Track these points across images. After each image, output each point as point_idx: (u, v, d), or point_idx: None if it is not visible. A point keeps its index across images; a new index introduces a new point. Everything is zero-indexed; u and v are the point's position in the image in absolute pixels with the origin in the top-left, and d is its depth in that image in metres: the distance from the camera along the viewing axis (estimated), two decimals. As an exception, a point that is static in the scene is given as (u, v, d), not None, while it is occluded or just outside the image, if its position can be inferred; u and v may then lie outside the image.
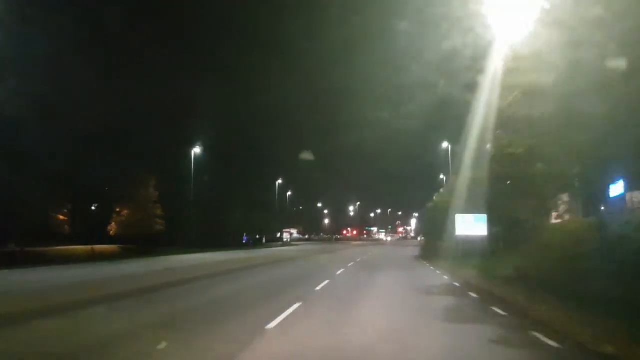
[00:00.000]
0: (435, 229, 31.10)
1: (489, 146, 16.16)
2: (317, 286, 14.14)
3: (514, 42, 12.00)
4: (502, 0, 11.52)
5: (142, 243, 40.86)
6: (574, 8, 9.56)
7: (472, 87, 15.32)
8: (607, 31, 8.93)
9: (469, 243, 25.40)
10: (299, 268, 23.56)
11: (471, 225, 24.98)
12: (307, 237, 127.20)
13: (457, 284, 15.28)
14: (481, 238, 25.12)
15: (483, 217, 24.85)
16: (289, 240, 77.60)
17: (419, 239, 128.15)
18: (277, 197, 65.01)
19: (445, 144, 38.65)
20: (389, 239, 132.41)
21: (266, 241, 78.61)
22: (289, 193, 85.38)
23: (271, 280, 17.41)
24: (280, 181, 65.90)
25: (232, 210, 61.07)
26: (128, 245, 40.74)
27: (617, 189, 17.68)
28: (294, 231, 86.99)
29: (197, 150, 43.65)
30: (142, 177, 41.17)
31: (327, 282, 15.47)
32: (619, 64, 8.99)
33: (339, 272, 19.92)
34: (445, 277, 17.86)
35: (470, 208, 26.44)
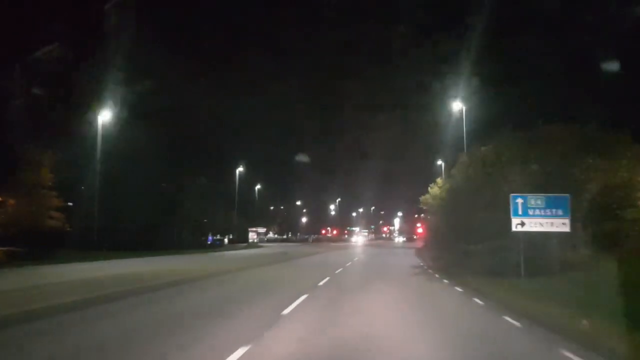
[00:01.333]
0: (455, 225, 19.72)
1: None
2: None
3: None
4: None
5: (39, 244, 28.80)
6: None
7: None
8: None
9: (530, 246, 14.10)
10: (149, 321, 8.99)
11: (541, 215, 13.54)
12: (284, 237, 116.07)
13: None
14: (557, 237, 13.83)
15: (563, 200, 13.48)
16: (255, 241, 65.64)
17: (398, 239, 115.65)
18: (237, 189, 52.69)
19: (457, 105, 27.06)
20: (359, 239, 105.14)
21: (230, 242, 67.08)
22: (258, 186, 73.71)
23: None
24: (241, 169, 53.49)
25: (182, 207, 49.22)
26: (19, 247, 28.74)
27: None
28: (263, 230, 75.16)
29: (105, 117, 31.33)
30: (31, 155, 29.02)
31: None
32: None
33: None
34: None
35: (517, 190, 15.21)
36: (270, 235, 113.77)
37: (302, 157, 75.56)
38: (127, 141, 39.71)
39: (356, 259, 30.79)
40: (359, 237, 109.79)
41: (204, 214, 54.41)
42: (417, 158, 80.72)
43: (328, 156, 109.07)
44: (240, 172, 58.44)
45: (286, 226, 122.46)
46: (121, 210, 40.84)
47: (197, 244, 52.23)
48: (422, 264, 24.54)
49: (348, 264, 24.51)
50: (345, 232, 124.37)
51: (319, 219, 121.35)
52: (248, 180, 70.24)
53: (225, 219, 57.82)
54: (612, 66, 17.87)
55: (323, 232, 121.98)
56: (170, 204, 46.66)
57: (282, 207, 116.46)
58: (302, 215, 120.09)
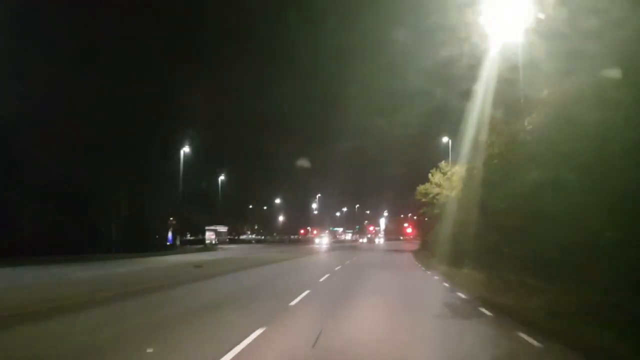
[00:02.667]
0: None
1: None
2: None
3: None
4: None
5: None
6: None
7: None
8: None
9: None
10: None
11: None
12: (261, 237, 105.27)
13: None
14: None
15: None
16: (214, 242, 53.97)
17: (379, 241, 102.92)
18: (181, 175, 40.75)
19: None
20: (323, 241, 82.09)
21: (187, 242, 55.86)
22: (222, 177, 62.23)
23: None
24: (186, 149, 41.38)
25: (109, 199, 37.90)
26: None
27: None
28: (224, 229, 63.47)
29: None
30: None
31: None
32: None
33: None
34: None
35: None
36: (246, 236, 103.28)
37: (303, 162, 69.89)
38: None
39: (325, 277, 18.36)
40: (323, 239, 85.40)
41: (144, 209, 42.57)
42: (406, 154, 73.71)
43: (313, 155, 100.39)
44: (192, 159, 46.27)
45: (263, 225, 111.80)
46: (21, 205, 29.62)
47: (139, 245, 40.36)
48: (464, 296, 11.76)
49: (300, 297, 11.74)
50: (327, 232, 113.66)
51: (300, 218, 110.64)
52: (211, 173, 59.76)
53: (172, 215, 46.07)
54: None
55: (302, 232, 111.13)
56: (83, 197, 34.89)
57: (265, 208, 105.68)
58: (280, 214, 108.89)
